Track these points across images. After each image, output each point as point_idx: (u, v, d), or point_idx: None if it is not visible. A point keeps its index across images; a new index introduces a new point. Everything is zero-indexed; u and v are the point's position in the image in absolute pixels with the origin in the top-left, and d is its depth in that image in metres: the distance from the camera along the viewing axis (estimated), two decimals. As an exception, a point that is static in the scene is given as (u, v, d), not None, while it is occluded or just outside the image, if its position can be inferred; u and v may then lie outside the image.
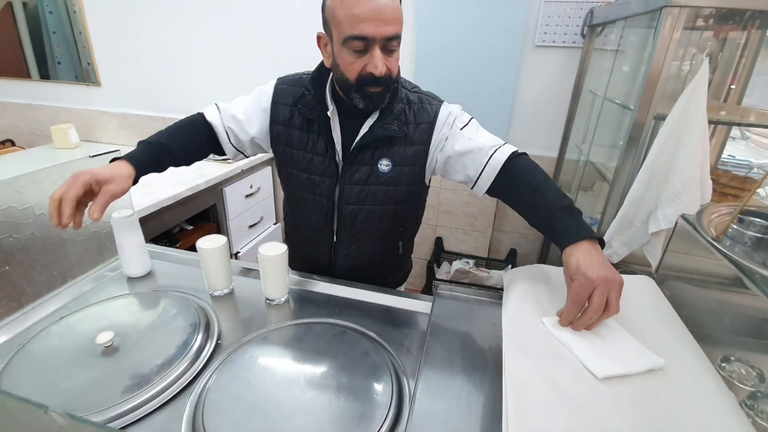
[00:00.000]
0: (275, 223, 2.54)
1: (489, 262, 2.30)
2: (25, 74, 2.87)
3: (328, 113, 0.86)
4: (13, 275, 0.79)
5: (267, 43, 2.18)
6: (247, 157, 1.05)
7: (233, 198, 2.08)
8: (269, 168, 2.40)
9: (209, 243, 0.86)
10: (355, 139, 0.88)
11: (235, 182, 2.10)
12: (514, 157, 0.88)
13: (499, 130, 2.04)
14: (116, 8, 2.42)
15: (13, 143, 2.90)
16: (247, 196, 2.20)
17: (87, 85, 2.72)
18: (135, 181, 0.82)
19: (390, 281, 1.12)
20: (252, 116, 0.95)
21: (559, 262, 0.75)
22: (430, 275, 2.26)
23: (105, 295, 0.90)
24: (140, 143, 0.88)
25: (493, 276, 2.08)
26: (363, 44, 0.73)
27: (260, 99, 0.95)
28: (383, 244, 1.02)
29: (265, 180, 2.38)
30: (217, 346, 0.75)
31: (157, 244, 1.29)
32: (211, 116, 0.96)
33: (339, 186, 0.92)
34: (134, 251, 0.94)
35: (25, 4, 2.70)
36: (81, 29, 2.56)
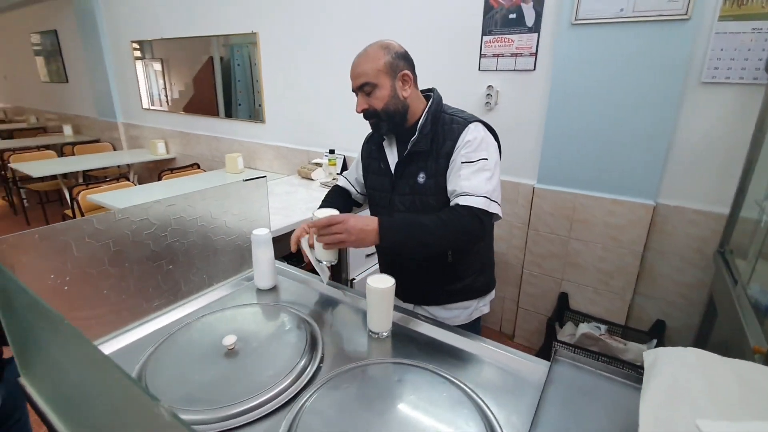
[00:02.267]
0: (391, 255, 2.60)
1: (626, 331, 1.95)
2: (215, 113, 3.64)
3: (384, 143, 1.11)
4: (175, 274, 0.96)
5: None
6: None
7: (355, 227, 2.20)
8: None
9: (378, 282, 0.87)
10: (399, 158, 1.09)
11: (358, 212, 2.22)
12: (464, 209, 0.93)
13: (647, 178, 1.78)
14: (283, 60, 2.90)
15: (198, 166, 3.64)
16: (368, 226, 2.31)
17: (255, 122, 3.28)
18: None
19: (446, 291, 1.14)
20: (358, 163, 1.24)
21: (724, 347, 0.58)
22: (550, 334, 2.02)
23: (238, 302, 1.02)
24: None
25: (631, 349, 1.75)
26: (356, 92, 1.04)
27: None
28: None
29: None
30: (318, 368, 0.78)
31: (287, 261, 1.43)
32: (341, 182, 1.31)
33: (392, 197, 1.09)
34: (265, 266, 1.05)
35: (222, 58, 3.45)
36: (258, 77, 3.13)
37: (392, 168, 1.09)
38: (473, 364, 0.82)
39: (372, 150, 1.17)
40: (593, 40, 1.75)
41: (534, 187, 2.06)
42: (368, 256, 2.38)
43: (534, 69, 1.95)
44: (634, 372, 0.74)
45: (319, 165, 2.64)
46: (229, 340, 0.79)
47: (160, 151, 4.00)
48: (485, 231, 0.95)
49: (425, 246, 0.93)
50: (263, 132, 3.26)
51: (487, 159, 0.98)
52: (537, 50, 1.93)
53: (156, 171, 3.81)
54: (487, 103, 2.08)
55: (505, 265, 2.29)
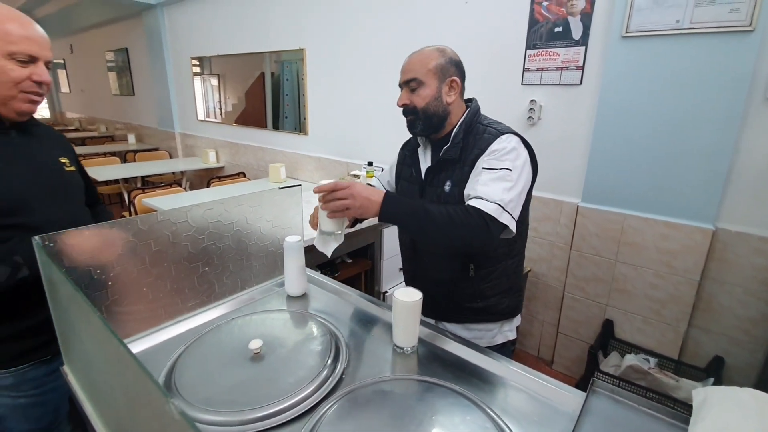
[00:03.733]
0: (425, 270, 2.57)
1: (679, 367, 1.78)
2: (263, 125, 3.82)
3: (419, 149, 1.11)
4: (210, 275, 1.00)
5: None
6: None
7: (389, 239, 2.20)
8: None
9: (405, 296, 0.85)
10: (429, 165, 1.08)
11: (394, 226, 2.22)
12: (473, 210, 0.88)
13: (705, 200, 1.64)
14: (327, 75, 3.00)
15: (244, 175, 3.80)
16: (402, 239, 2.30)
17: (299, 134, 3.39)
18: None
19: (468, 309, 1.10)
20: (393, 168, 1.25)
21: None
22: (593, 364, 1.89)
23: (268, 307, 1.04)
24: None
25: (684, 386, 1.59)
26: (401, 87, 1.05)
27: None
28: (451, 260, 1.08)
29: (422, 227, 2.45)
30: (340, 379, 0.77)
31: (321, 270, 1.44)
32: (374, 182, 1.32)
33: None
34: (295, 273, 1.06)
35: (272, 74, 3.63)
36: (303, 92, 3.24)
37: (423, 175, 1.09)
38: (501, 388, 0.78)
39: (406, 156, 1.17)
40: (646, 53, 1.66)
41: (578, 206, 1.96)
42: (401, 269, 2.36)
43: (581, 83, 1.88)
44: (684, 412, 0.67)
45: (358, 177, 2.67)
46: (255, 345, 0.81)
47: (211, 160, 4.23)
48: (490, 239, 0.88)
49: (423, 233, 0.90)
50: (306, 143, 3.36)
51: (510, 170, 0.92)
52: (584, 64, 1.86)
53: (206, 178, 4.03)
54: (529, 117, 2.03)
55: (545, 286, 2.18)
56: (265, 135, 3.77)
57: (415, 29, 2.42)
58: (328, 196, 0.87)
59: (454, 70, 1.01)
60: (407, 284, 1.26)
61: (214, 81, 4.26)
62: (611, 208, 1.87)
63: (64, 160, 1.00)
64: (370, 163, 2.61)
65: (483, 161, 0.96)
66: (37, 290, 0.84)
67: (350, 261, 2.22)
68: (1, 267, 0.78)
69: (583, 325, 2.08)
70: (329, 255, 0.99)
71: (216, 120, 4.34)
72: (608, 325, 1.99)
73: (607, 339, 1.98)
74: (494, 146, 0.96)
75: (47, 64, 0.89)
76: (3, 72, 0.82)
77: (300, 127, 3.41)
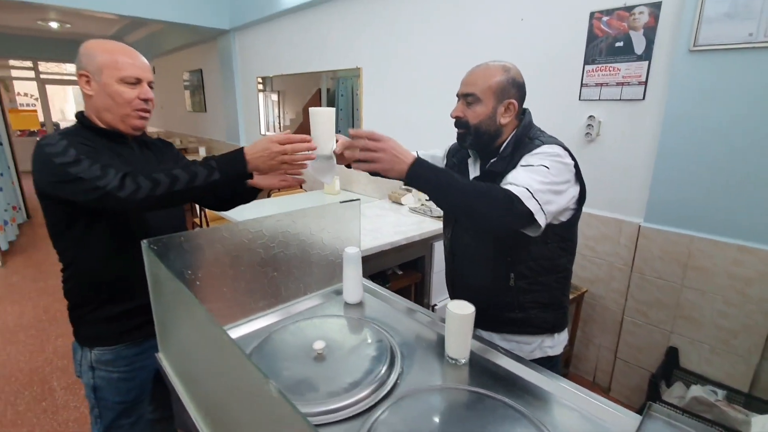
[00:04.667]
0: (475, 285, 2.56)
1: (750, 401, 1.64)
2: None
3: (469, 160, 1.15)
4: (277, 280, 1.10)
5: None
6: None
7: (440, 253, 2.24)
8: (478, 230, 2.49)
9: (458, 308, 0.88)
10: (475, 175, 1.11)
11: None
12: (501, 188, 0.88)
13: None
14: (381, 92, 3.12)
15: (301, 186, 4.01)
16: (453, 253, 2.32)
17: (353, 148, 3.54)
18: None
19: (505, 318, 1.11)
20: (439, 159, 1.29)
21: None
22: (654, 393, 1.78)
23: (327, 312, 1.12)
24: None
25: (755, 422, 1.46)
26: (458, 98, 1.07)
27: (442, 149, 1.31)
28: (490, 268, 1.10)
29: (473, 241, 2.46)
30: (395, 384, 0.82)
31: (372, 280, 1.51)
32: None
33: None
34: (353, 282, 1.14)
35: (328, 90, 3.84)
36: (359, 107, 3.39)
37: None
38: (553, 404, 0.79)
39: (454, 164, 1.20)
40: (716, 67, 1.59)
41: (640, 226, 1.88)
42: (451, 283, 2.38)
43: (643, 98, 1.82)
44: (749, 445, 0.65)
45: (409, 191, 2.74)
46: (319, 345, 0.88)
47: (271, 172, 4.50)
48: (511, 218, 0.86)
49: (446, 199, 0.90)
50: (360, 157, 3.49)
51: (547, 168, 0.92)
52: (647, 79, 1.80)
53: (267, 189, 4.28)
54: (587, 134, 1.99)
55: (603, 309, 2.10)
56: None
57: (470, 46, 2.47)
58: (361, 142, 0.87)
59: (514, 92, 1.02)
60: (449, 291, 1.30)
61: (275, 97, 4.59)
62: (677, 229, 1.78)
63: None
64: (422, 178, 2.67)
65: (522, 160, 0.96)
66: (138, 278, 0.99)
67: (401, 273, 2.27)
68: (200, 169, 0.89)
69: (644, 351, 1.98)
70: (329, 182, 1.03)
71: (264, 132, 4.68)
72: (672, 353, 1.87)
73: (670, 368, 1.86)
74: (537, 150, 0.96)
75: (149, 84, 1.04)
76: (118, 94, 0.98)
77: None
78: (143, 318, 1.06)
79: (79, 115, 1.04)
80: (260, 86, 4.69)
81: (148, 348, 1.12)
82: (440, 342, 0.97)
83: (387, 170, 0.87)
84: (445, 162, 1.27)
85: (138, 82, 1.00)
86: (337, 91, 3.79)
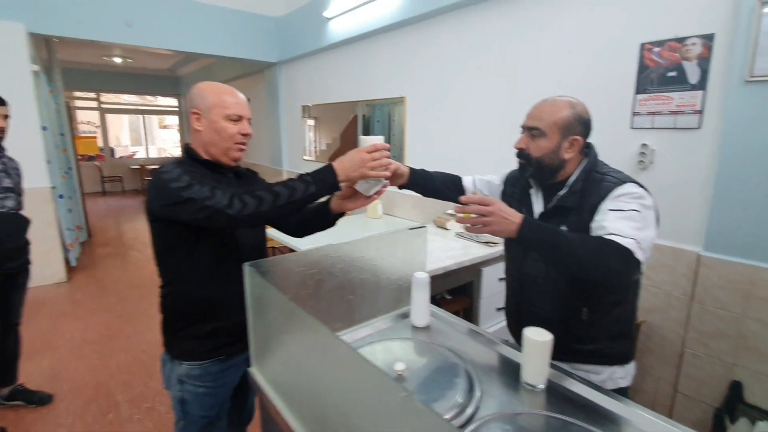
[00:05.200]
0: (521, 311, 2.55)
1: (835, 446, 1.54)
2: None
3: (531, 191, 1.17)
4: (352, 303, 1.17)
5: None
6: None
7: (488, 279, 2.25)
8: (525, 256, 2.49)
9: (536, 335, 0.91)
10: (543, 208, 1.12)
11: (493, 265, 2.28)
12: (613, 243, 0.88)
13: None
14: (425, 119, 3.23)
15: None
16: (500, 279, 2.33)
17: (395, 173, 3.64)
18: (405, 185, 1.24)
19: (574, 350, 1.11)
20: (494, 186, 1.33)
21: None
22: (718, 428, 1.70)
23: (397, 334, 1.17)
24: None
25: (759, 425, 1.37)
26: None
27: (498, 176, 1.34)
28: (563, 301, 1.11)
29: (519, 267, 2.46)
30: (476, 409, 0.85)
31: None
32: (466, 180, 1.36)
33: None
34: (422, 306, 1.19)
35: (363, 116, 4.01)
36: (402, 134, 3.51)
37: (536, 217, 1.14)
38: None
39: (515, 192, 1.23)
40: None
41: (700, 256, 1.84)
42: (499, 309, 2.38)
43: (699, 127, 1.82)
44: None
45: (454, 215, 2.79)
46: (399, 367, 0.93)
47: (312, 195, 4.67)
48: (627, 272, 0.88)
49: (559, 259, 0.91)
50: (401, 182, 3.58)
51: (638, 211, 0.94)
52: (703, 108, 1.80)
53: (351, 210, 4.45)
54: (640, 161, 1.99)
55: (661, 339, 2.04)
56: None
57: (515, 77, 2.55)
58: (472, 207, 0.93)
59: (580, 128, 1.06)
60: (509, 320, 1.31)
61: (311, 122, 4.84)
62: (739, 259, 1.74)
63: None
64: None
65: (608, 204, 0.98)
66: (229, 299, 1.09)
67: (450, 298, 2.30)
68: (297, 183, 0.98)
69: (706, 384, 1.90)
70: (368, 194, 1.12)
71: (311, 158, 4.88)
72: (736, 387, 1.79)
73: (734, 402, 1.77)
74: (618, 191, 0.99)
75: (248, 120, 1.16)
76: (224, 130, 1.10)
77: (396, 167, 3.69)
78: (231, 337, 1.16)
79: (186, 148, 1.17)
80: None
81: (229, 366, 1.20)
82: (511, 367, 1.00)
83: (497, 232, 0.92)
84: (502, 189, 1.31)
85: (239, 119, 1.13)
86: (373, 117, 3.95)
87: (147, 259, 4.67)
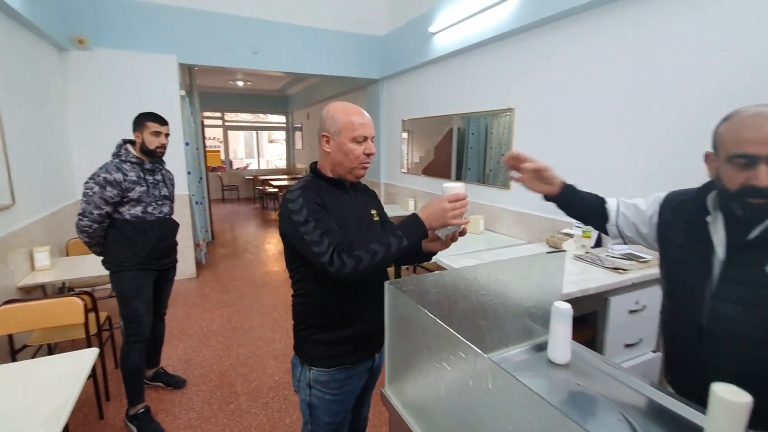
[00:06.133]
0: (654, 351, 2.22)
1: None
2: (446, 175, 4.16)
3: (707, 218, 0.98)
4: (484, 328, 1.10)
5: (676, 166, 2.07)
6: (624, 241, 1.17)
7: (617, 309, 2.00)
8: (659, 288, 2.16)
9: (729, 394, 0.76)
10: (736, 241, 0.93)
11: (622, 294, 2.02)
12: None
13: None
14: (535, 130, 3.03)
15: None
16: (630, 311, 2.05)
17: (499, 188, 3.48)
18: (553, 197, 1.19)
19: None
20: (648, 210, 1.12)
21: None
22: None
23: (532, 369, 1.07)
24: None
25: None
26: (747, 161, 0.85)
27: (655, 200, 1.13)
28: (763, 353, 0.92)
29: (653, 299, 2.15)
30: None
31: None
32: (610, 205, 1.19)
33: (715, 282, 0.94)
34: (562, 340, 1.08)
35: (459, 129, 3.93)
36: (498, 143, 3.35)
37: (720, 250, 0.95)
38: None
39: (680, 220, 1.04)
40: None
41: None
42: (628, 346, 2.10)
43: None
44: None
45: (570, 236, 2.56)
46: (549, 408, 0.84)
47: (410, 208, 4.70)
48: None
49: None
50: (506, 197, 3.41)
51: None
52: None
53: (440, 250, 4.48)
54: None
55: None
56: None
57: (652, 83, 2.26)
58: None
59: None
60: (674, 375, 1.08)
61: (405, 135, 4.92)
62: None
63: (373, 212, 1.31)
64: (587, 223, 2.46)
65: None
66: (355, 310, 1.13)
67: (568, 326, 2.09)
68: (391, 239, 1.03)
69: None
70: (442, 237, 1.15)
71: (403, 170, 4.98)
72: None
73: None
74: None
75: (372, 139, 1.19)
76: (350, 151, 1.14)
77: (485, 180, 3.54)
78: (355, 345, 1.19)
79: (314, 167, 1.25)
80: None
81: (354, 374, 1.22)
82: (685, 428, 0.83)
83: None
84: (656, 216, 1.11)
85: (365, 139, 1.16)
86: (468, 129, 3.85)
87: (259, 261, 5.12)
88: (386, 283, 0.90)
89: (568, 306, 1.07)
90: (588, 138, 2.65)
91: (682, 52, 2.13)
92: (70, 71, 3.70)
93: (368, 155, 1.18)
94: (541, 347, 1.14)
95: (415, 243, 1.06)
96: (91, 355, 1.52)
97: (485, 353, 1.13)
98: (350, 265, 1.00)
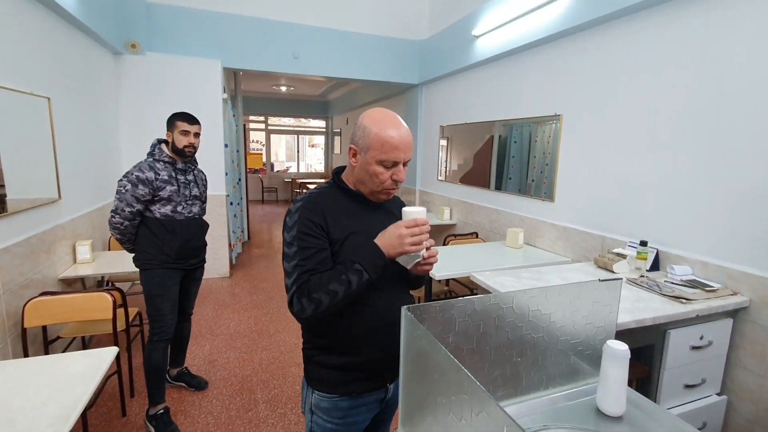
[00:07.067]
0: (718, 394, 1.92)
1: None
2: (485, 185, 3.95)
3: None
4: (520, 367, 0.94)
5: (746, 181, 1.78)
6: None
7: (677, 344, 1.74)
8: (730, 322, 1.87)
9: None
10: None
11: (684, 327, 1.76)
12: None
13: None
14: (584, 139, 2.78)
15: (477, 235, 3.88)
16: (693, 347, 1.79)
17: (543, 200, 3.24)
18: None
19: None
20: None
21: None
22: None
23: (576, 420, 0.90)
24: None
25: None
26: None
27: None
28: None
29: (722, 335, 1.86)
30: None
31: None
32: None
33: None
34: (616, 387, 0.90)
35: (500, 137, 3.73)
36: (555, 158, 3.11)
37: None
38: None
39: None
40: None
41: None
42: (688, 387, 1.83)
43: None
44: None
45: (623, 256, 2.30)
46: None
47: (445, 217, 4.53)
48: None
49: None
50: (550, 210, 3.17)
51: None
52: None
53: (440, 234, 4.31)
54: None
55: None
56: (494, 195, 3.84)
57: (723, 87, 1.98)
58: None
59: None
60: None
61: (444, 142, 4.76)
62: None
63: None
64: (643, 243, 2.20)
65: None
66: (363, 336, 1.01)
67: (618, 360, 1.85)
68: (351, 276, 0.95)
69: None
70: (408, 266, 1.02)
71: (440, 178, 4.77)
72: None
73: None
74: None
75: (405, 163, 1.04)
76: (375, 175, 1.01)
77: (527, 191, 3.30)
78: (363, 374, 1.07)
79: (336, 174, 1.13)
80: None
81: (360, 404, 1.10)
82: None
83: None
84: None
85: (395, 165, 1.02)
86: (510, 137, 3.63)
87: (290, 265, 5.12)
88: (403, 309, 0.78)
89: (624, 347, 0.89)
90: (650, 148, 2.38)
91: (747, 50, 1.84)
92: (122, 74, 3.88)
93: (395, 182, 1.04)
94: (589, 392, 0.97)
95: (378, 275, 0.97)
96: (109, 354, 1.49)
97: (520, 395, 0.97)
98: (309, 309, 0.96)
